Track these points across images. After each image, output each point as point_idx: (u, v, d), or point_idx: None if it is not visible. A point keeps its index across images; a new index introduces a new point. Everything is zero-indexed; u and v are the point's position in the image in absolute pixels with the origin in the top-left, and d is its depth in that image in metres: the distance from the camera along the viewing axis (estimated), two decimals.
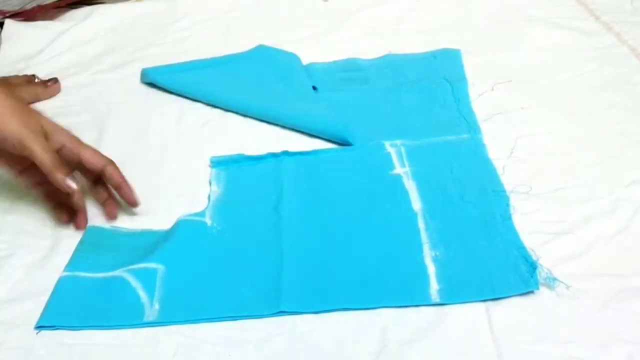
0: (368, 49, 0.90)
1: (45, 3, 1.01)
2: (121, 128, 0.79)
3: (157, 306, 0.57)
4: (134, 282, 0.59)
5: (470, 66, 0.86)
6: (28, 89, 0.84)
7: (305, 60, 0.87)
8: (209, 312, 0.57)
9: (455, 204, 0.65)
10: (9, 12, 1.00)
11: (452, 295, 0.57)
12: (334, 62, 0.89)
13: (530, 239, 0.61)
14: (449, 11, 0.99)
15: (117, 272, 0.60)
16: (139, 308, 0.57)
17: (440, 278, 0.58)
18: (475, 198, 0.66)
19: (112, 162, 0.67)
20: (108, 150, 0.74)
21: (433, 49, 0.89)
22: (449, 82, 0.82)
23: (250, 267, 0.61)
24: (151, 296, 0.58)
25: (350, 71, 0.87)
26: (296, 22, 0.99)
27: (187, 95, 0.84)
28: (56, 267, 0.61)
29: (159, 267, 0.60)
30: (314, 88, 0.83)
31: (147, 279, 0.59)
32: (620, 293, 0.56)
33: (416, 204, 0.66)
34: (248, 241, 0.64)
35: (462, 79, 0.83)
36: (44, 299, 0.58)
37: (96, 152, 0.67)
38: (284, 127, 0.78)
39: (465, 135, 0.74)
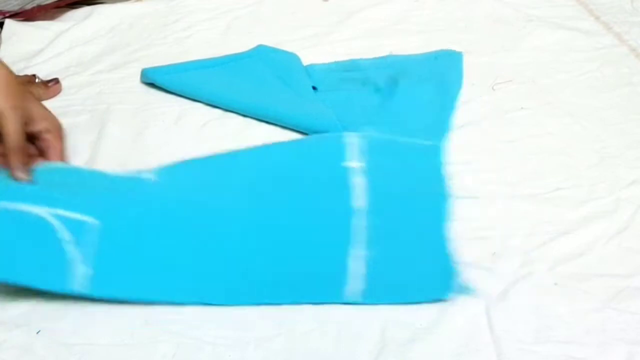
0: (368, 49, 0.90)
1: (45, 3, 1.01)
2: (121, 128, 0.79)
3: (90, 271, 0.54)
4: (61, 231, 0.54)
5: (470, 66, 0.86)
6: (29, 89, 0.84)
7: (305, 60, 0.87)
8: (152, 292, 0.55)
9: (397, 206, 0.63)
10: (9, 12, 1.00)
11: (370, 295, 0.56)
12: (334, 62, 0.88)
13: (529, 239, 0.61)
14: (449, 11, 0.99)
15: (39, 210, 0.54)
16: (65, 265, 0.54)
17: (362, 278, 0.57)
18: (420, 202, 0.64)
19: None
20: (108, 150, 0.75)
21: (433, 49, 0.89)
22: (444, 85, 0.82)
23: (180, 249, 0.58)
24: (83, 254, 0.54)
25: (350, 71, 0.87)
26: (296, 22, 0.99)
27: (187, 95, 0.84)
28: None
29: (94, 221, 0.56)
30: (314, 88, 0.83)
31: (77, 231, 0.54)
32: (620, 293, 0.56)
33: (357, 201, 0.63)
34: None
35: (458, 82, 0.82)
36: (44, 298, 0.58)
37: (62, 156, 0.66)
38: (284, 127, 0.78)
39: (430, 141, 0.71)
